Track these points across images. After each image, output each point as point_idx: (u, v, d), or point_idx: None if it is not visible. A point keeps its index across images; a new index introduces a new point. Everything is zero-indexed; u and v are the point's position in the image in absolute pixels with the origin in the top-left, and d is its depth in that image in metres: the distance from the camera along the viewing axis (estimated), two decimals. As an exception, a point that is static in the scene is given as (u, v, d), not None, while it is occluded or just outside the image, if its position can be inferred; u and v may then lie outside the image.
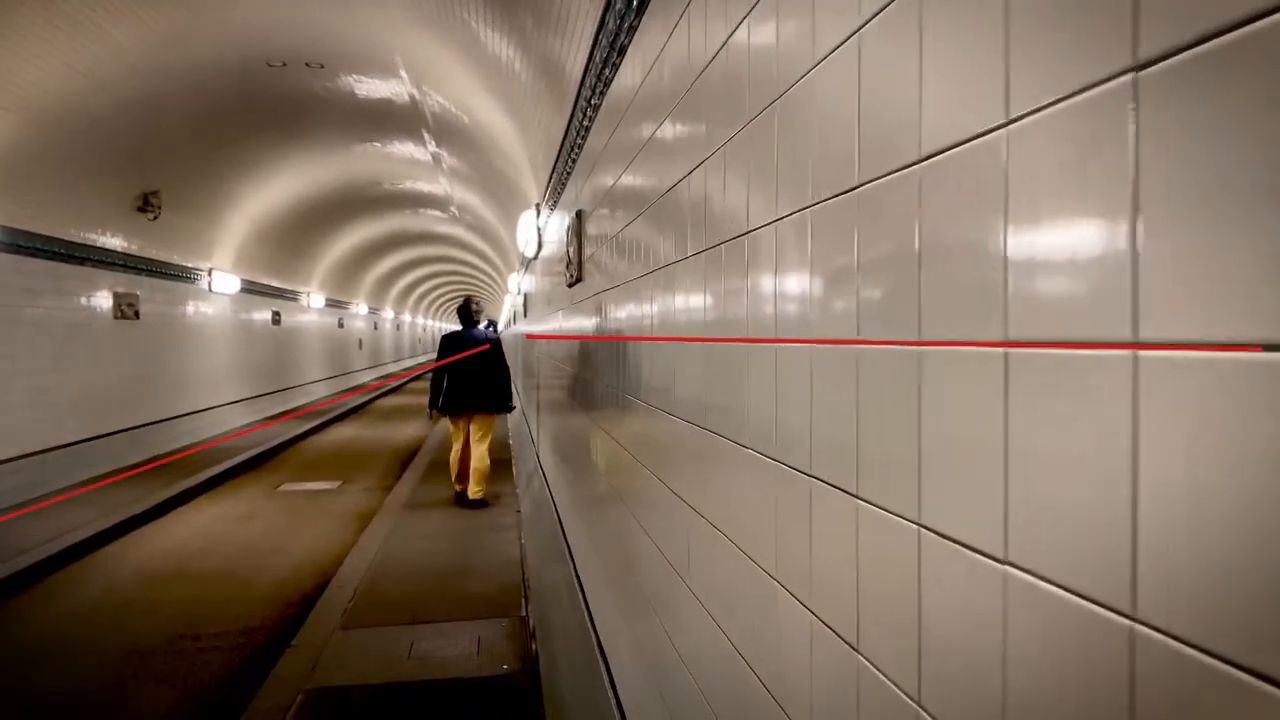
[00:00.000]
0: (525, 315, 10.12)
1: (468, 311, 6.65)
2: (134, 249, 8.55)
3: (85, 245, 7.58)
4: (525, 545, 5.15)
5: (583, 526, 3.77)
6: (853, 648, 0.90)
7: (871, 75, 0.85)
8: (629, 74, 2.46)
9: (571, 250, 4.03)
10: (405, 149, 9.77)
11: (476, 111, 7.01)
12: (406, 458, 9.18)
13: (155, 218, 8.54)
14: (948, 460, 0.72)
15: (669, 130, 1.86)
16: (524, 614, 3.94)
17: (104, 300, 7.98)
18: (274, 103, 7.90)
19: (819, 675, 1.00)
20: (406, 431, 11.75)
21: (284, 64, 6.89)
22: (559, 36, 3.82)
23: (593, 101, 3.23)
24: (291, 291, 14.62)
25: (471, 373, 6.44)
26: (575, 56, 3.65)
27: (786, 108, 1.11)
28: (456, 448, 6.63)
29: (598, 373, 3.32)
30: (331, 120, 8.64)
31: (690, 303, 1.66)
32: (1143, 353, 0.50)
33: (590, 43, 3.11)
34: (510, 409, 7.01)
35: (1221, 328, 0.45)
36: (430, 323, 40.31)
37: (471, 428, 6.54)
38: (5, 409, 6.45)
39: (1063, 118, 0.57)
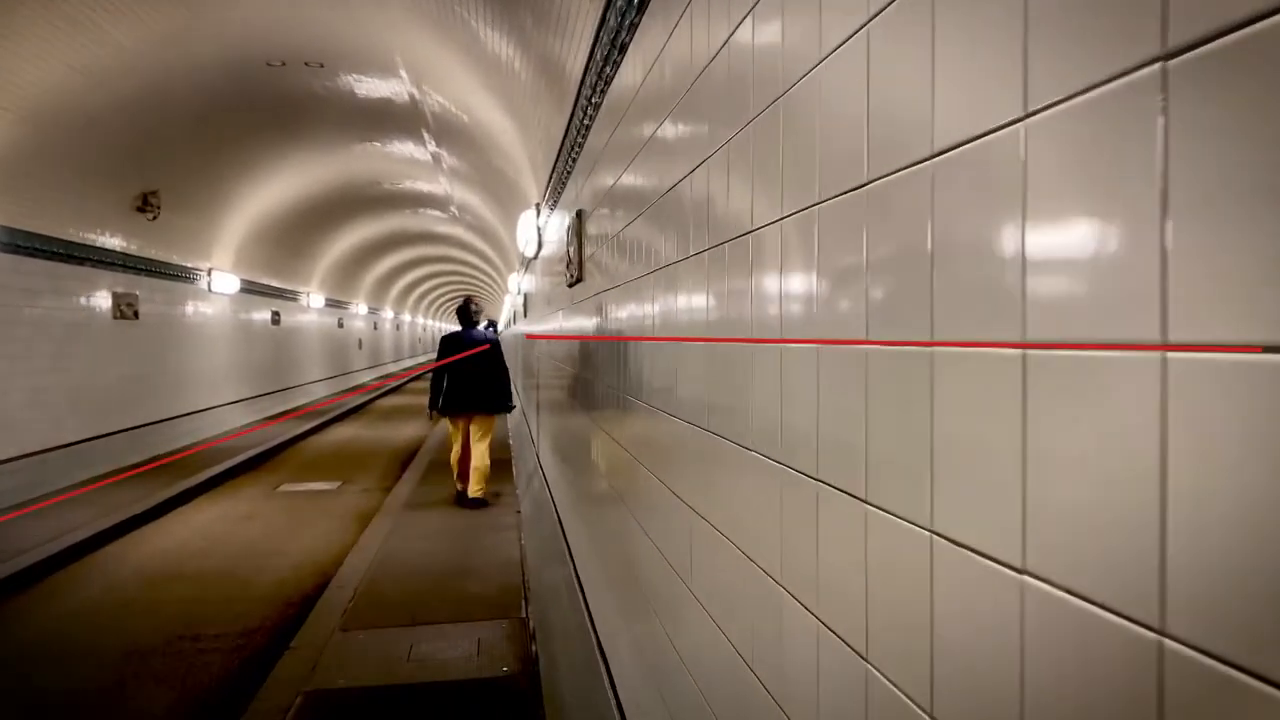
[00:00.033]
0: (525, 315, 10.10)
1: (467, 312, 6.66)
2: (133, 249, 8.54)
3: (84, 245, 7.56)
4: (525, 545, 5.13)
5: (583, 527, 3.75)
6: (861, 656, 0.88)
7: (881, 69, 0.83)
8: (630, 72, 2.44)
9: (572, 250, 4.01)
10: (405, 148, 9.75)
11: (476, 111, 6.99)
12: (406, 458, 9.16)
13: (154, 217, 8.52)
14: (961, 465, 0.70)
15: (671, 128, 1.84)
16: (524, 615, 3.92)
17: (103, 300, 7.96)
18: (274, 102, 7.88)
19: (825, 682, 0.98)
20: (406, 432, 11.73)
21: (283, 63, 6.88)
22: (559, 35, 3.80)
23: (593, 100, 3.21)
24: (291, 291, 14.60)
25: (471, 373, 6.44)
26: (575, 55, 3.63)
27: (791, 104, 1.09)
28: (456, 448, 6.64)
29: (598, 373, 3.30)
30: (331, 120, 8.62)
31: (692, 302, 1.64)
32: (1172, 354, 0.48)
33: (591, 40, 3.09)
34: (510, 409, 7.00)
35: (1256, 329, 0.43)
36: (430, 323, 40.29)
37: (471, 428, 6.55)
38: (4, 409, 6.44)
39: (1085, 111, 0.55)
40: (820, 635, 0.99)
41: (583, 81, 3.42)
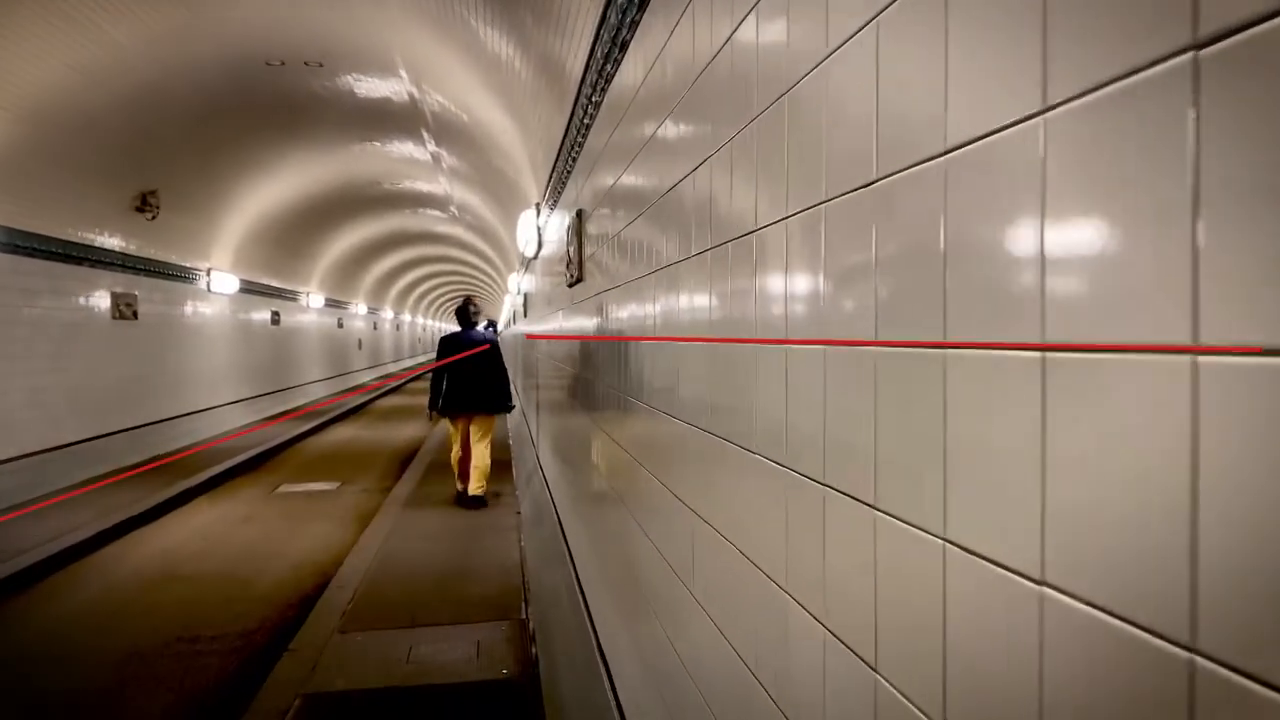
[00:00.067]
0: (525, 315, 10.08)
1: (466, 313, 6.67)
2: (132, 249, 8.52)
3: (83, 245, 7.54)
4: (525, 547, 5.11)
5: (583, 528, 3.73)
6: (870, 666, 0.86)
7: (891, 63, 0.81)
8: (631, 70, 2.42)
9: (572, 250, 3.99)
10: (405, 148, 9.73)
11: (476, 110, 6.97)
12: (406, 458, 9.14)
13: (153, 217, 8.50)
14: (976, 471, 0.68)
15: (672, 126, 1.82)
16: (524, 617, 3.90)
17: (102, 300, 7.94)
18: (273, 102, 7.86)
19: (832, 691, 0.96)
20: (406, 432, 11.71)
21: (283, 63, 6.85)
22: (559, 33, 3.78)
23: (594, 99, 3.19)
24: (291, 291, 14.58)
25: (471, 373, 6.44)
26: (576, 53, 3.61)
27: (797, 100, 1.06)
28: (456, 448, 6.63)
29: (599, 373, 3.28)
30: (330, 119, 8.60)
31: (694, 302, 1.62)
32: (1203, 357, 0.46)
33: (591, 38, 3.07)
34: (509, 409, 6.99)
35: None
36: (430, 322, 40.27)
37: (471, 428, 6.55)
38: (3, 409, 6.42)
39: (1109, 104, 0.53)
40: (827, 643, 0.96)
41: (583, 80, 3.40)
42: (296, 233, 13.06)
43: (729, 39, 1.34)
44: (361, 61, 6.83)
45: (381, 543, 5.28)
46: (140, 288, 8.72)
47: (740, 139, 1.30)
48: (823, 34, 0.97)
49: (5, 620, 4.24)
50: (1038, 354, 0.60)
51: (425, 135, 8.87)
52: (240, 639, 3.86)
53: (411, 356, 33.09)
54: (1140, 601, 0.50)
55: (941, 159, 0.72)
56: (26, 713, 3.21)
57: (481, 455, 6.40)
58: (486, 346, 6.53)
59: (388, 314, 26.04)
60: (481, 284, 27.96)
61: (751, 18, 1.23)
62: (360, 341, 21.41)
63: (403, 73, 6.91)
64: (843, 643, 0.93)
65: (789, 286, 1.10)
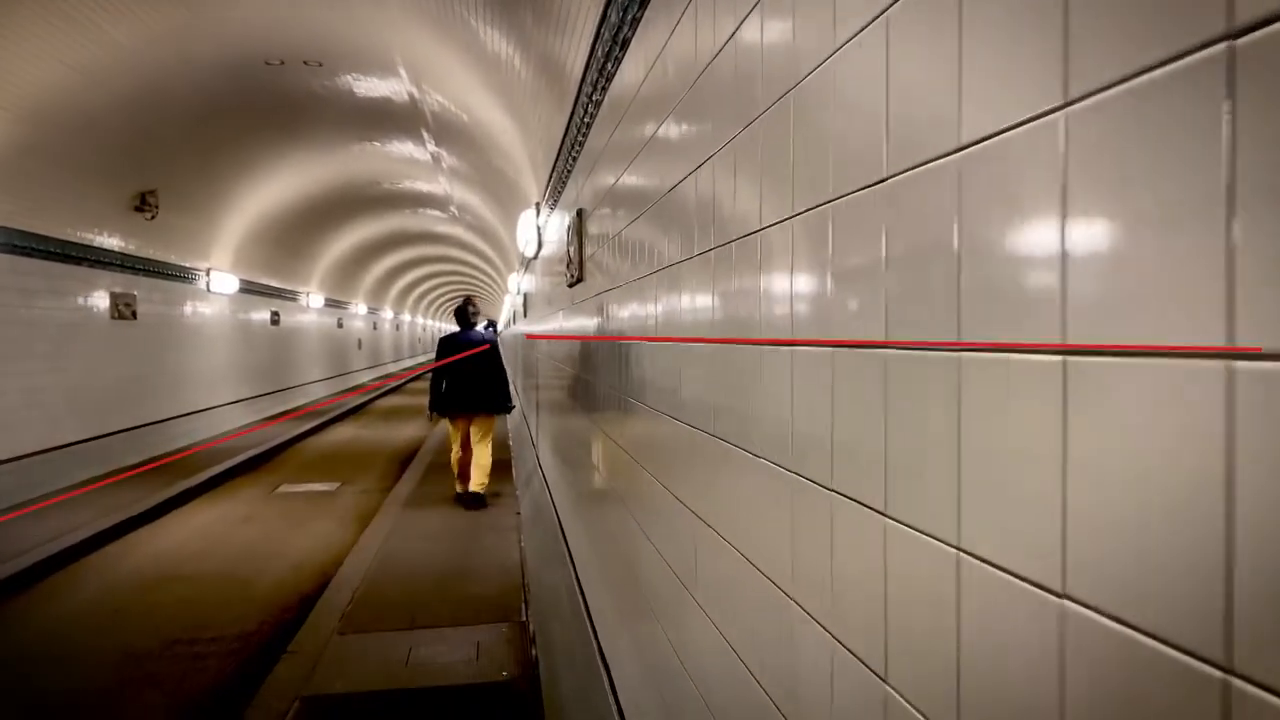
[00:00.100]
0: (525, 315, 10.06)
1: (465, 313, 6.67)
2: (131, 249, 8.49)
3: (82, 245, 7.52)
4: (525, 548, 5.09)
5: (583, 529, 3.71)
6: (880, 677, 0.83)
7: (901, 58, 0.79)
8: (632, 68, 2.40)
9: (572, 250, 3.97)
10: (404, 148, 9.71)
11: (476, 110, 6.95)
12: (406, 458, 9.12)
13: (153, 217, 8.48)
14: (992, 477, 0.65)
15: (674, 125, 1.80)
16: (524, 618, 3.88)
17: (101, 300, 7.92)
18: (272, 101, 7.84)
19: (840, 702, 0.94)
20: (406, 432, 11.69)
21: (282, 62, 6.83)
22: (559, 32, 3.76)
23: (594, 98, 3.17)
24: (290, 291, 14.56)
25: (470, 373, 6.44)
26: (576, 52, 3.59)
27: (803, 98, 1.04)
28: (455, 448, 6.62)
29: (599, 374, 3.26)
30: (330, 119, 8.58)
31: (697, 302, 1.60)
32: (1240, 362, 0.44)
33: (592, 37, 3.05)
34: (509, 410, 6.98)
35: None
36: (430, 322, 40.25)
37: (472, 429, 6.55)
38: (2, 409, 6.40)
39: (1135, 98, 0.51)
40: (835, 653, 0.94)
41: (583, 79, 3.38)
42: (296, 233, 13.04)
43: (732, 35, 1.32)
44: (361, 61, 6.81)
45: (381, 543, 5.26)
46: (139, 288, 8.70)
47: (744, 137, 1.28)
48: (830, 29, 0.95)
49: (5, 620, 4.23)
50: (1058, 356, 0.58)
51: (425, 135, 8.85)
52: (239, 640, 3.84)
53: (411, 356, 33.07)
54: (1171, 617, 0.48)
55: (956, 156, 0.70)
56: (27, 713, 3.20)
57: (483, 454, 6.43)
58: (486, 347, 6.52)
59: (387, 314, 26.01)
60: (481, 284, 27.94)
61: (755, 13, 1.21)
62: (360, 341, 21.39)
63: (402, 72, 6.89)
64: (851, 652, 0.90)
65: (794, 286, 1.08)
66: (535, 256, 6.87)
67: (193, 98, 7.26)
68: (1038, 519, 0.60)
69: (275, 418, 12.53)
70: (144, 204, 8.30)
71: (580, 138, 3.73)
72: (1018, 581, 0.62)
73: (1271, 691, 0.42)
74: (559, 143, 4.53)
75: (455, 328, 6.73)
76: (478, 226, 13.98)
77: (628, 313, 2.49)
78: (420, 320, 36.89)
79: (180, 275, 9.81)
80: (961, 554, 0.69)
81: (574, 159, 4.06)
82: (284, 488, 7.62)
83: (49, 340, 7.04)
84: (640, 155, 2.23)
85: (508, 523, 5.81)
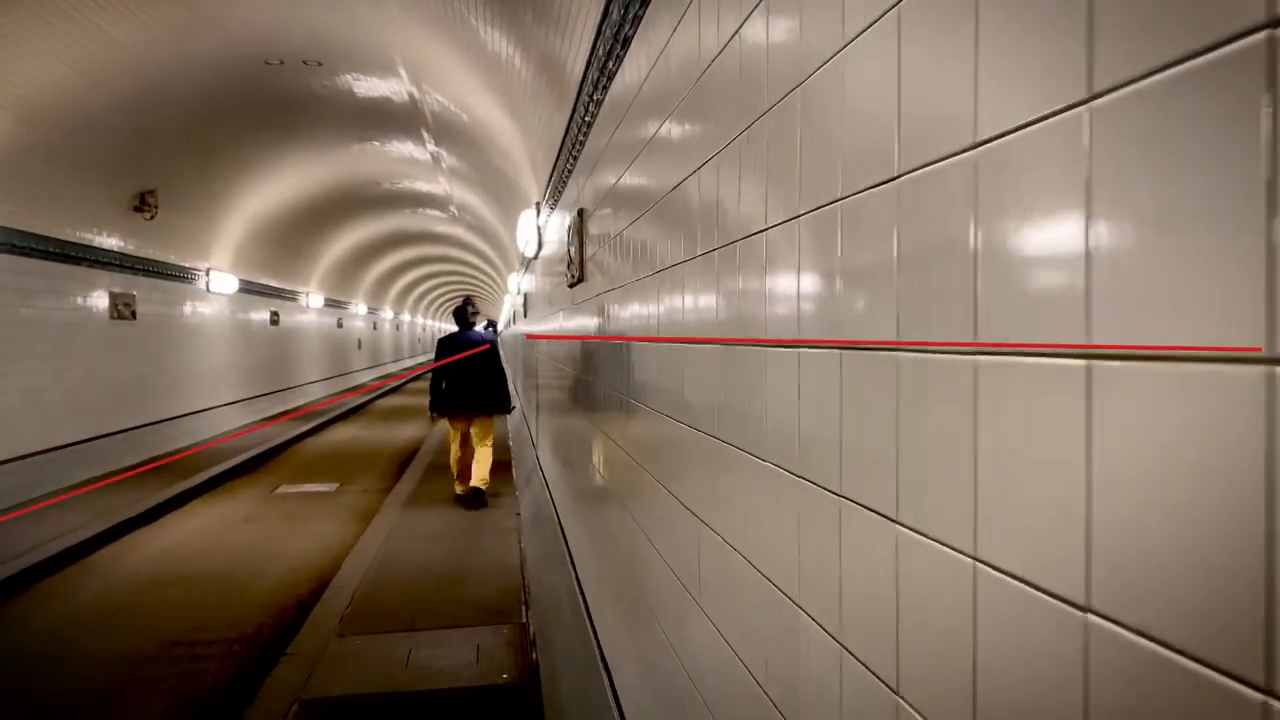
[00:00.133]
0: (525, 315, 10.04)
1: (464, 313, 6.67)
2: (130, 249, 8.47)
3: (81, 245, 7.50)
4: (525, 549, 5.07)
5: (584, 531, 3.69)
6: (891, 689, 0.81)
7: (913, 51, 0.77)
8: (633, 66, 2.38)
9: (573, 250, 3.95)
10: (404, 148, 9.69)
11: (476, 110, 6.93)
12: (405, 459, 9.10)
13: (152, 217, 8.46)
14: (1012, 485, 0.63)
15: (677, 123, 1.78)
16: (524, 621, 3.86)
17: (100, 300, 7.90)
18: (272, 101, 7.82)
19: (850, 712, 0.92)
20: (405, 432, 11.67)
21: (282, 62, 6.82)
22: (559, 31, 3.74)
23: (595, 97, 3.15)
24: (290, 291, 14.54)
25: (471, 374, 6.44)
26: (577, 51, 3.57)
27: (810, 94, 1.02)
28: (455, 448, 6.60)
29: (600, 375, 3.24)
30: (330, 119, 8.56)
31: (701, 303, 1.58)
32: (1281, 369, 0.42)
33: (593, 35, 3.03)
34: (509, 410, 6.97)
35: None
36: (430, 322, 40.24)
37: (473, 431, 6.56)
38: (1, 410, 6.38)
39: (1162, 91, 0.49)
40: (844, 663, 0.92)
41: (584, 78, 3.36)
42: (296, 233, 13.02)
43: (737, 31, 1.30)
44: (361, 61, 6.79)
45: (381, 544, 5.24)
46: (139, 288, 8.68)
47: (749, 135, 1.26)
48: (838, 23, 0.92)
49: (5, 621, 4.22)
50: (1082, 360, 0.55)
51: (425, 135, 8.83)
52: (238, 642, 3.82)
53: (411, 356, 33.05)
54: (1206, 635, 0.46)
55: (972, 152, 0.68)
56: (27, 713, 3.19)
57: (485, 453, 6.48)
58: (486, 347, 6.51)
59: (387, 314, 25.99)
60: (481, 284, 27.92)
61: (761, 8, 1.19)
62: (360, 341, 21.37)
63: (402, 72, 6.87)
64: (861, 662, 0.88)
65: (801, 286, 1.06)
66: (535, 256, 6.85)
67: (192, 97, 7.24)
68: (1060, 529, 0.57)
69: (275, 418, 12.51)
70: (143, 204, 8.28)
71: (581, 137, 3.71)
72: (1038, 594, 0.60)
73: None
74: (559, 142, 4.51)
75: (455, 328, 6.72)
76: (478, 226, 13.96)
77: (629, 313, 2.47)
78: (420, 320, 36.88)
79: (180, 275, 9.79)
80: (978, 564, 0.67)
81: (574, 159, 4.04)
82: (283, 488, 7.60)
83: (48, 340, 7.02)
84: (642, 154, 2.21)
85: (508, 524, 5.79)
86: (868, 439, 0.87)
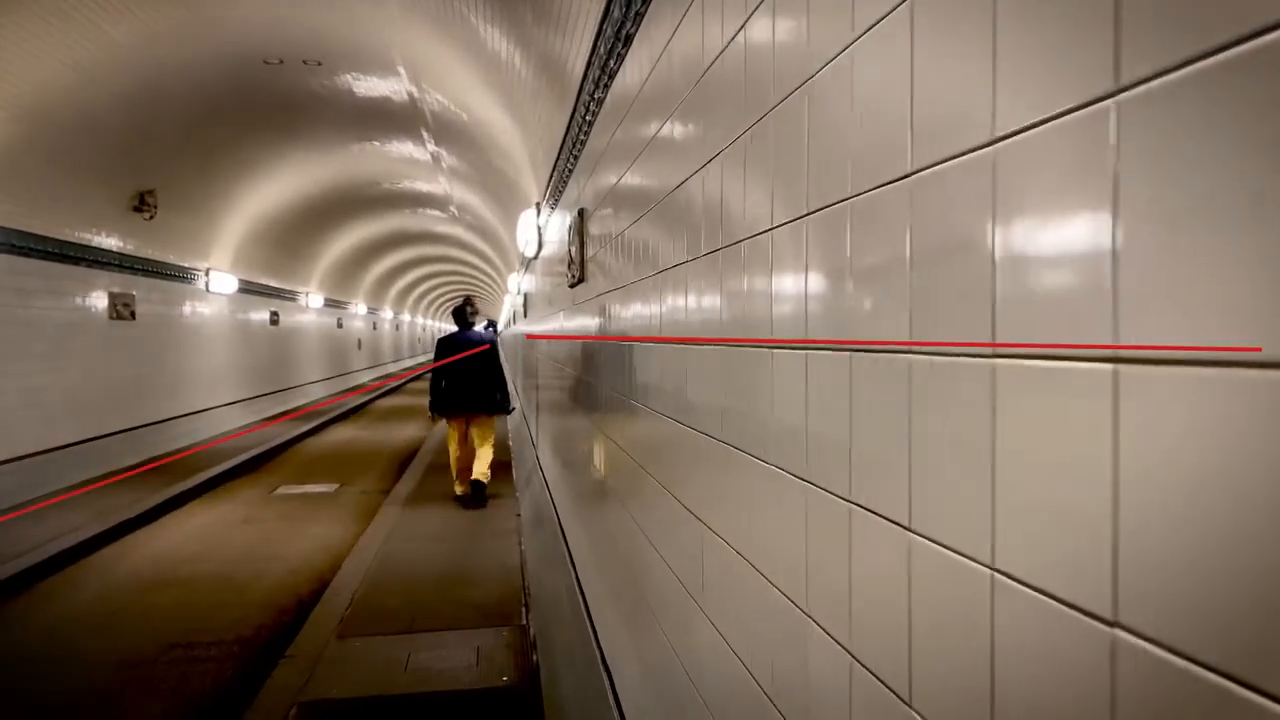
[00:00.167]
0: (525, 315, 10.02)
1: (463, 313, 6.67)
2: (129, 249, 8.45)
3: (79, 245, 7.47)
4: (525, 550, 5.05)
5: (584, 532, 3.67)
6: (904, 701, 0.79)
7: (927, 45, 0.75)
8: (635, 65, 2.36)
9: (573, 250, 3.93)
10: (404, 148, 9.67)
11: (476, 109, 6.91)
12: (405, 459, 9.08)
13: (151, 217, 8.44)
14: (1032, 492, 0.61)
15: (680, 122, 1.76)
16: (524, 623, 3.84)
17: (99, 300, 7.88)
18: (271, 100, 7.80)
19: (857, 721, 0.90)
20: (405, 432, 11.66)
21: (281, 61, 6.80)
22: (560, 30, 3.72)
23: (596, 95, 3.13)
24: (290, 291, 14.52)
25: (470, 373, 6.44)
26: (577, 50, 3.55)
27: (818, 91, 1.00)
28: (454, 447, 6.59)
29: (601, 375, 3.22)
30: (329, 119, 8.54)
31: (704, 303, 1.56)
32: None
33: (594, 33, 3.01)
34: (509, 410, 6.95)
35: None
36: (430, 322, 40.22)
37: (474, 432, 6.56)
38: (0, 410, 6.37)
39: (1202, 80, 0.47)
40: (854, 672, 0.90)
41: (585, 76, 3.34)
42: (296, 232, 13.00)
43: (742, 26, 1.28)
44: (360, 60, 6.77)
45: (380, 545, 5.22)
46: (138, 288, 8.66)
47: (755, 132, 1.24)
48: (848, 16, 0.90)
49: (5, 621, 4.22)
50: (1109, 364, 0.53)
51: (425, 135, 8.81)
52: (237, 644, 3.80)
53: (411, 356, 33.03)
54: (1246, 654, 0.44)
55: (989, 149, 0.66)
56: (28, 713, 3.19)
57: (485, 451, 6.52)
58: (485, 347, 6.51)
59: (387, 314, 25.97)
60: (481, 284, 27.90)
61: (767, 3, 1.17)
62: (360, 341, 21.35)
63: (402, 71, 6.85)
64: (871, 672, 0.86)
65: (809, 286, 1.03)
66: (535, 256, 6.83)
67: (191, 97, 7.22)
68: (1084, 539, 0.55)
69: (274, 418, 12.49)
70: (143, 204, 8.26)
71: (581, 136, 3.69)
72: (1061, 606, 0.57)
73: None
74: (560, 142, 4.49)
75: (454, 328, 6.70)
76: (478, 226, 13.94)
77: (631, 313, 2.45)
78: (420, 320, 36.86)
79: (179, 275, 9.77)
80: (996, 574, 0.65)
81: (575, 158, 4.02)
82: (283, 489, 7.58)
83: (47, 340, 7.00)
84: (644, 153, 2.19)
85: (508, 525, 5.77)
86: (878, 443, 0.85)
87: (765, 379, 1.20)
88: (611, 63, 2.69)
